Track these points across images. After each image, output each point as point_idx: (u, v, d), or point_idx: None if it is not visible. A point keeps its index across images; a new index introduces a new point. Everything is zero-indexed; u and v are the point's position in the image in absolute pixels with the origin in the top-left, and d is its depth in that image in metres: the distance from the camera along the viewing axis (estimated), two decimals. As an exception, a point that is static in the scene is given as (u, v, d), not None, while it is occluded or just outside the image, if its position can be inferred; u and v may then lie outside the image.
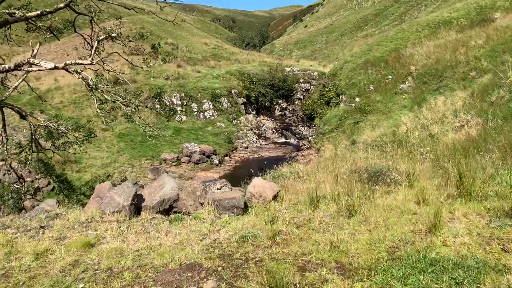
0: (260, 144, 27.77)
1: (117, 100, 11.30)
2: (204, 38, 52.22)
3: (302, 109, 32.04)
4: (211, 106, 29.29)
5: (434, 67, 23.06)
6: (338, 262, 4.44)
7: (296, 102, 35.17)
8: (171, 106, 27.89)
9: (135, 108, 12.08)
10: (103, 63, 11.55)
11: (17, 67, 10.56)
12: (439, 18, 30.34)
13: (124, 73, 13.38)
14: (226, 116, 29.32)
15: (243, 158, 24.88)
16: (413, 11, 66.87)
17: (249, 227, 5.96)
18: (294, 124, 32.40)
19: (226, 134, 26.94)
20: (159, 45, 14.77)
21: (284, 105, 35.31)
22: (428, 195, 5.97)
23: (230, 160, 24.43)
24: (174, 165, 22.50)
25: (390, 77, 25.44)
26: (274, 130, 30.46)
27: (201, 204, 7.72)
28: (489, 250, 4.18)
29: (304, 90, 35.51)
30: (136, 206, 7.48)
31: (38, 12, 11.50)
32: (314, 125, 29.21)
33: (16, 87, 12.24)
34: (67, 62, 10.62)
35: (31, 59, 10.40)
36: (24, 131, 21.03)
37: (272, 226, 5.79)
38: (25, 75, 12.26)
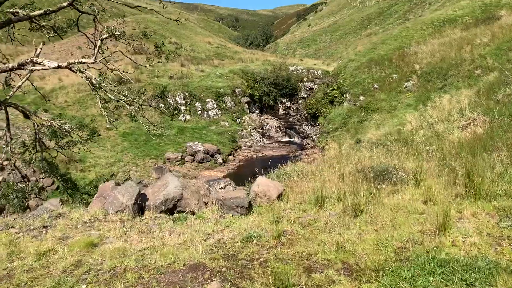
0: (264, 143, 27.69)
1: (121, 99, 11.26)
2: (208, 37, 52.17)
3: (306, 108, 31.91)
4: (214, 105, 29.24)
5: (439, 66, 22.89)
6: (345, 263, 4.36)
7: (300, 101, 35.05)
8: (174, 105, 27.86)
9: (138, 107, 12.05)
10: (107, 62, 11.52)
11: (21, 66, 10.54)
12: (443, 16, 30.12)
13: (128, 73, 13.35)
14: (229, 115, 29.26)
15: (246, 157, 24.81)
16: (417, 9, 66.48)
17: (254, 227, 5.88)
18: (298, 123, 32.29)
19: (229, 133, 26.87)
20: (163, 44, 14.72)
21: (288, 104, 35.20)
22: (435, 194, 5.87)
23: (234, 159, 24.37)
24: (178, 164, 22.47)
25: (394, 75, 25.28)
26: (278, 129, 30.36)
27: (205, 203, 7.65)
28: (500, 251, 4.08)
29: (308, 89, 35.37)
30: (140, 205, 7.43)
31: (42, 11, 11.48)
32: (318, 124, 29.09)
33: (19, 86, 12.23)
34: (70, 61, 10.58)
35: (35, 58, 10.37)
36: (28, 130, 21.06)
37: (277, 225, 5.71)
38: (29, 74, 12.25)
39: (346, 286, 3.85)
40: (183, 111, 28.07)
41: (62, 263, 4.92)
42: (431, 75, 22.73)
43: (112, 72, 12.00)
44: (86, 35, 13.00)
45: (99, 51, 11.14)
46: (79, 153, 16.80)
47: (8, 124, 12.55)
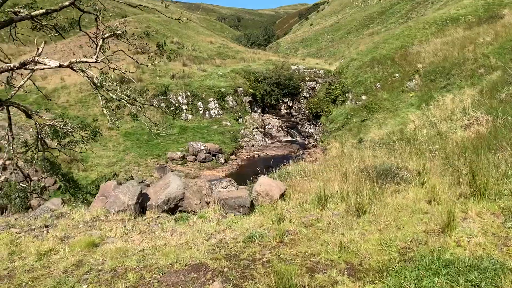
0: (266, 142, 27.65)
1: (123, 99, 11.24)
2: (210, 36, 52.14)
3: (308, 107, 31.85)
4: (216, 105, 29.21)
5: (441, 65, 22.79)
6: (348, 263, 4.31)
7: (302, 100, 34.97)
8: (176, 104, 27.84)
9: (140, 107, 12.02)
10: (109, 61, 11.49)
11: (22, 65, 10.52)
12: (446, 15, 30.01)
13: (130, 72, 13.32)
14: (231, 115, 29.23)
15: (249, 156, 24.77)
16: (420, 9, 66.29)
17: (256, 227, 5.84)
18: (300, 122, 32.22)
19: (231, 132, 26.84)
20: (165, 43, 14.70)
21: (290, 103, 35.14)
22: (439, 194, 5.81)
23: (236, 159, 24.34)
24: (180, 164, 22.45)
25: (396, 75, 25.19)
26: (280, 129, 30.30)
27: (207, 203, 7.61)
28: (505, 251, 4.02)
29: (310, 88, 35.30)
30: (141, 205, 7.39)
31: (43, 10, 11.46)
32: (320, 124, 29.02)
33: (21, 85, 12.22)
34: (72, 60, 10.56)
35: (36, 58, 10.35)
36: (31, 130, 21.06)
37: (279, 225, 5.67)
38: (30, 73, 12.24)
39: (350, 286, 3.81)
40: (185, 110, 28.05)
41: (63, 263, 4.89)
42: (433, 75, 22.64)
43: (113, 71, 11.98)
44: (88, 34, 12.98)
45: (101, 50, 11.12)
46: (81, 152, 16.79)
47: (10, 124, 12.55)
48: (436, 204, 5.55)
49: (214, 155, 23.55)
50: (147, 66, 16.78)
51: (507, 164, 6.55)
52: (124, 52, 12.42)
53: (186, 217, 6.76)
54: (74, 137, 14.19)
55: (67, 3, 11.11)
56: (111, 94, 11.00)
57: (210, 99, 29.27)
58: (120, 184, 8.46)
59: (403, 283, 3.61)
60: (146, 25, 41.70)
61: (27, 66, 10.87)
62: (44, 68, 10.97)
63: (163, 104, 26.32)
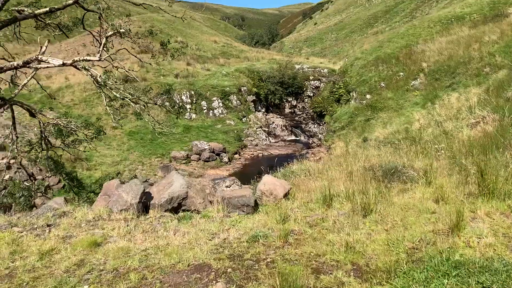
0: (270, 142, 27.56)
1: (126, 97, 11.19)
2: (214, 36, 52.09)
3: (312, 106, 31.71)
4: (220, 104, 29.15)
5: (446, 64, 22.60)
6: (355, 264, 4.21)
7: (306, 99, 34.84)
8: (180, 104, 27.81)
9: (144, 106, 11.97)
10: (112, 60, 11.45)
11: (26, 64, 10.50)
12: (451, 13, 29.78)
13: (133, 71, 13.27)
14: (235, 114, 29.16)
15: (252, 156, 24.70)
16: (424, 7, 65.91)
17: (260, 226, 5.75)
18: (304, 121, 32.11)
19: (235, 132, 26.77)
20: (168, 41, 14.63)
21: (294, 102, 35.01)
22: (447, 193, 5.70)
23: (240, 158, 24.27)
24: (184, 163, 22.42)
25: (401, 73, 25.02)
26: (284, 128, 30.20)
27: (210, 202, 7.53)
28: (517, 252, 3.91)
29: (314, 87, 35.16)
30: (144, 204, 7.32)
31: (47, 9, 11.44)
32: (324, 123, 28.89)
33: (25, 84, 12.20)
34: (75, 58, 10.52)
35: (40, 56, 10.33)
36: (35, 129, 21.09)
37: (283, 225, 5.58)
38: (34, 72, 12.21)
39: (356, 288, 3.71)
40: (189, 109, 28.02)
41: (64, 262, 4.82)
42: (438, 73, 22.46)
43: (117, 70, 11.93)
44: (91, 33, 12.95)
45: (104, 48, 11.08)
46: (85, 151, 16.79)
47: (13, 123, 12.53)
48: (444, 204, 5.44)
49: (218, 154, 23.50)
50: (150, 64, 16.75)
51: (516, 163, 6.43)
52: (127, 50, 12.37)
53: (189, 216, 6.68)
54: (78, 136, 14.17)
55: (70, 2, 11.07)
56: (114, 93, 10.95)
57: (214, 98, 29.21)
58: (123, 183, 8.40)
59: (412, 285, 3.51)
60: (150, 24, 41.67)
61: (30, 65, 10.85)
62: (47, 67, 10.94)
63: (167, 103, 26.30)
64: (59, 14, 12.84)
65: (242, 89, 31.18)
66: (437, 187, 6.00)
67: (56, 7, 11.45)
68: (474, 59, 20.56)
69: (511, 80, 15.31)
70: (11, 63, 10.77)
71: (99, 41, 11.74)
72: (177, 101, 27.97)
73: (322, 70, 36.37)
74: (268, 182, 7.73)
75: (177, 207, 7.38)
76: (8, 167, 18.12)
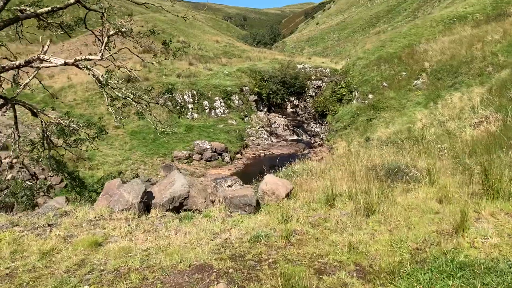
0: (272, 141, 27.51)
1: (128, 97, 11.16)
2: (216, 36, 52.07)
3: (314, 106, 31.65)
4: (222, 104, 29.12)
5: (449, 63, 22.52)
6: (358, 265, 4.16)
7: (308, 99, 34.77)
8: (182, 103, 27.80)
9: (146, 105, 11.94)
10: (114, 60, 11.43)
11: (28, 63, 10.50)
12: (453, 13, 29.67)
13: (135, 70, 13.25)
14: (237, 114, 29.13)
15: (254, 155, 24.67)
16: (427, 7, 65.71)
17: (262, 226, 5.70)
18: (305, 121, 32.05)
19: (237, 131, 26.73)
20: (170, 41, 14.60)
21: (296, 102, 34.94)
22: (451, 193, 5.65)
23: (242, 158, 24.24)
24: (186, 163, 22.41)
25: (403, 73, 24.94)
26: (286, 128, 30.15)
27: (212, 201, 7.49)
28: (522, 253, 3.86)
29: (316, 87, 35.08)
30: (146, 203, 7.29)
31: (49, 8, 11.43)
32: (326, 122, 28.83)
33: (27, 83, 12.20)
34: (77, 58, 10.51)
35: (41, 55, 10.32)
36: (37, 128, 21.11)
37: (286, 225, 5.53)
38: (36, 71, 12.22)
39: (359, 289, 3.67)
40: (191, 109, 28.00)
41: (65, 262, 4.79)
42: (441, 73, 22.38)
43: (119, 69, 11.91)
44: (93, 32, 12.93)
45: (106, 48, 11.05)
46: (87, 151, 16.78)
47: (16, 122, 12.54)
48: (448, 204, 5.39)
49: (220, 154, 23.48)
50: (153, 64, 16.73)
51: (521, 163, 6.37)
52: (129, 49, 12.34)
53: (190, 216, 6.65)
54: (80, 135, 14.16)
55: (72, 1, 11.04)
56: (116, 92, 10.93)
57: (216, 98, 29.19)
58: (124, 182, 8.37)
59: (416, 286, 3.47)
60: (153, 24, 41.68)
61: (32, 64, 10.84)
62: (49, 66, 10.93)
63: (169, 103, 26.30)
64: (61, 14, 12.83)
65: (244, 89, 31.14)
66: (440, 187, 5.95)
67: (58, 6, 11.44)
68: (477, 59, 20.47)
69: (514, 80, 15.22)
70: (13, 62, 10.76)
71: (101, 40, 11.72)
72: (179, 101, 27.96)
73: (324, 70, 36.29)
74: (270, 181, 7.69)
75: (178, 206, 7.35)
76: (11, 166, 18.15)
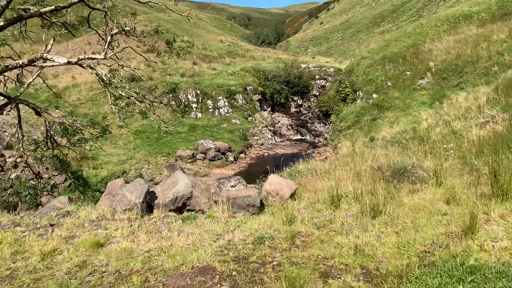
0: (275, 141, 27.42)
1: (132, 96, 11.12)
2: (220, 35, 52.03)
3: (318, 105, 31.50)
4: (226, 103, 29.05)
5: (454, 63, 22.32)
6: (364, 268, 4.06)
7: (312, 98, 34.62)
8: (186, 103, 27.77)
9: (149, 104, 11.90)
10: (118, 59, 11.39)
11: (31, 62, 10.47)
12: (459, 12, 29.44)
13: (139, 69, 13.21)
14: (241, 113, 29.05)
15: (258, 155, 24.57)
16: (431, 6, 65.35)
17: (266, 228, 5.61)
18: (309, 121, 31.91)
19: (241, 131, 26.65)
20: (174, 40, 14.55)
21: (300, 101, 34.81)
22: (458, 194, 5.53)
23: (245, 157, 24.15)
24: (189, 162, 22.36)
25: (408, 73, 24.75)
26: (290, 127, 30.04)
27: (215, 202, 7.41)
28: (534, 257, 3.75)
29: (320, 86, 34.93)
30: (148, 203, 7.23)
31: (52, 7, 11.40)
32: (330, 122, 28.68)
33: (30, 82, 12.18)
34: (80, 57, 10.47)
35: (45, 54, 10.28)
36: (42, 128, 21.11)
37: (290, 226, 5.44)
38: (39, 70, 12.19)
39: (366, 293, 3.57)
40: (194, 109, 27.96)
41: (66, 264, 4.72)
42: (446, 73, 22.18)
43: (122, 68, 11.87)
44: (97, 31, 12.90)
45: (109, 47, 11.01)
46: (91, 150, 16.76)
47: (19, 121, 12.52)
48: (456, 205, 5.28)
49: (224, 154, 23.41)
50: (156, 63, 16.69)
51: (530, 163, 6.23)
52: (132, 48, 12.29)
53: (193, 216, 6.57)
54: (84, 135, 14.14)
55: (75, 0, 11.01)
56: (120, 91, 10.88)
57: (220, 97, 29.12)
58: (128, 182, 8.31)
59: (425, 290, 3.37)
60: (157, 24, 41.69)
61: (36, 63, 10.82)
62: (53, 65, 10.91)
63: (172, 102, 26.27)
64: (65, 13, 12.81)
65: (248, 88, 31.05)
66: (448, 188, 5.83)
67: (61, 5, 11.41)
68: (482, 58, 20.28)
69: (521, 79, 15.05)
70: (17, 61, 10.74)
71: (105, 39, 11.68)
72: (183, 100, 27.92)
73: (328, 69, 36.14)
74: (274, 182, 7.60)
75: (181, 207, 7.28)
76: (15, 165, 18.15)
